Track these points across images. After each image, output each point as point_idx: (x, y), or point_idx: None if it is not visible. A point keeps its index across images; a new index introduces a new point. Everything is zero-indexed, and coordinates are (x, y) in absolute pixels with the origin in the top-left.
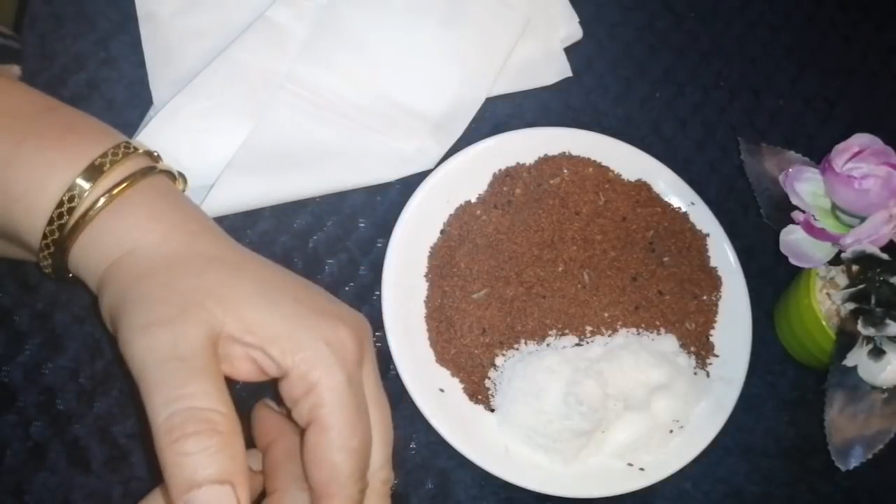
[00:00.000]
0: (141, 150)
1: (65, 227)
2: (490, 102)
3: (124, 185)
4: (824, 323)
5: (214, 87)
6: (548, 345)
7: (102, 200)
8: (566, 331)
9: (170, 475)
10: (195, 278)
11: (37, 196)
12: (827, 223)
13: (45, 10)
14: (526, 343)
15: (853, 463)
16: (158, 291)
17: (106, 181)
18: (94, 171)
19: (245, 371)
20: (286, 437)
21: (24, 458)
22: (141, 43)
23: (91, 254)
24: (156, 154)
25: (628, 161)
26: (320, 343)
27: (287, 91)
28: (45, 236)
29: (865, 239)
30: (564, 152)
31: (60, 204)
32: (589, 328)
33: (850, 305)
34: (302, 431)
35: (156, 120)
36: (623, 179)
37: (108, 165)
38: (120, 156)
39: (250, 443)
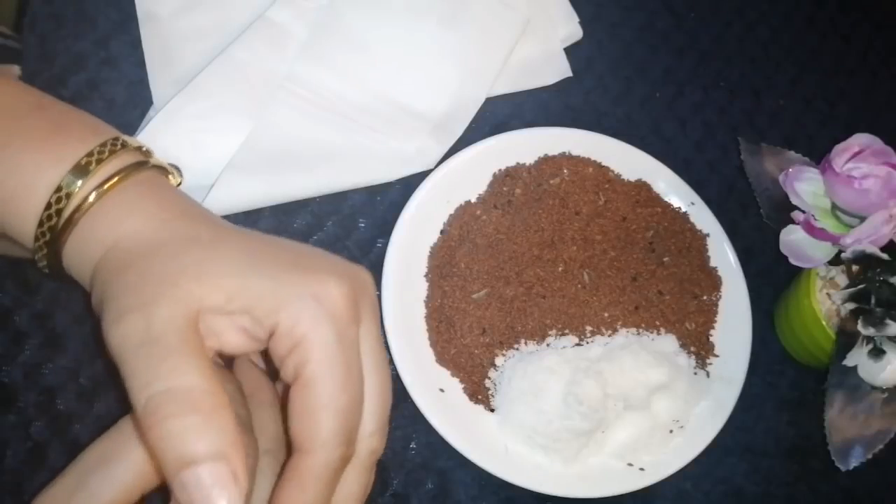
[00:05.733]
0: (131, 146)
1: (54, 228)
2: (490, 102)
3: (111, 183)
4: (824, 323)
5: (214, 87)
6: (548, 345)
7: (90, 199)
8: (566, 331)
9: (160, 458)
10: (170, 261)
11: (26, 198)
12: (827, 223)
13: (45, 10)
14: (526, 343)
15: (853, 463)
16: (133, 281)
17: (93, 180)
18: (79, 172)
19: (235, 342)
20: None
21: (24, 458)
22: (141, 43)
23: (81, 254)
24: (145, 149)
25: (628, 161)
26: (306, 297)
27: (287, 91)
28: (36, 238)
29: (865, 239)
30: (564, 152)
31: (48, 206)
32: (589, 328)
33: (850, 305)
34: (287, 390)
35: (156, 120)
36: (623, 179)
37: (93, 165)
38: (106, 153)
39: None
